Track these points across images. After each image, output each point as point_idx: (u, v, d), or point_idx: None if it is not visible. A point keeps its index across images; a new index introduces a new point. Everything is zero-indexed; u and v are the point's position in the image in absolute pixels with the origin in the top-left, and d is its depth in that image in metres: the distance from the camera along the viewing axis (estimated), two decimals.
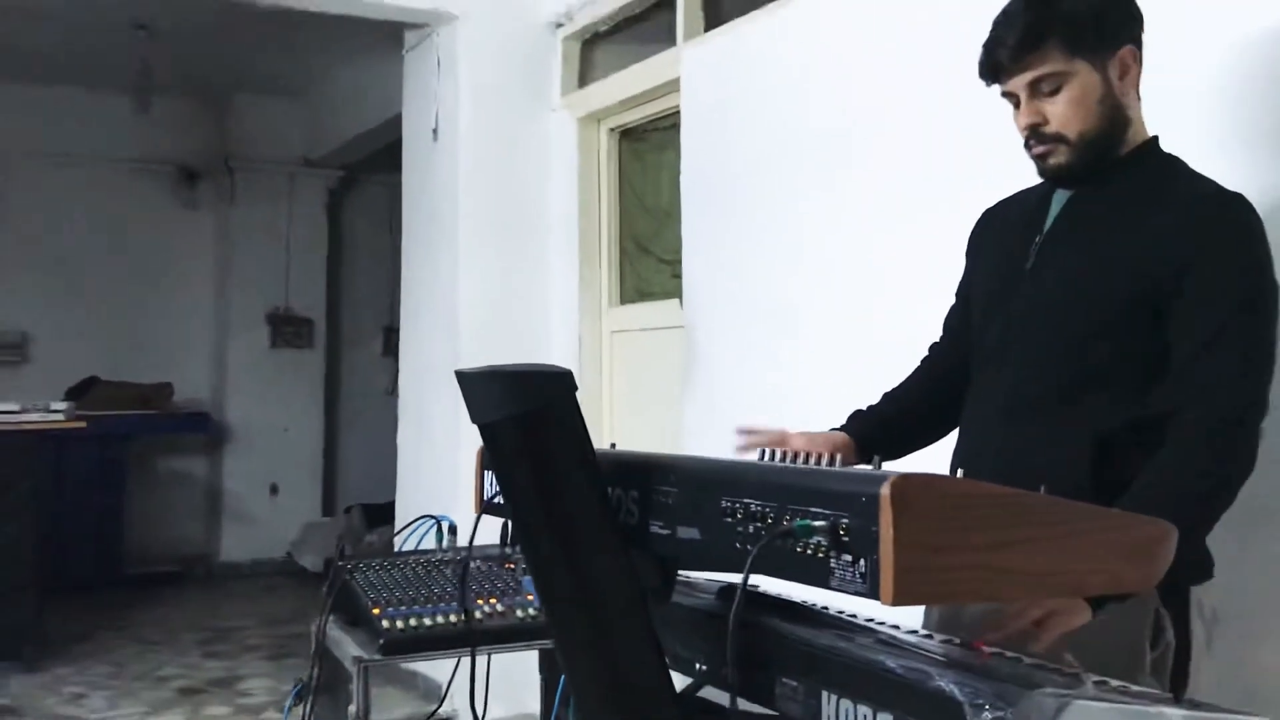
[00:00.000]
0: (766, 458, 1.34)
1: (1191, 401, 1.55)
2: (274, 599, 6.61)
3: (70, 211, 7.22)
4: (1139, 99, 1.72)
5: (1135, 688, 1.24)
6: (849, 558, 1.00)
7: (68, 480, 6.54)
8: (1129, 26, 1.69)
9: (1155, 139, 1.73)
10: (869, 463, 1.12)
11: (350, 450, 8.06)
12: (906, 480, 0.97)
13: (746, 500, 1.14)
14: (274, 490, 7.70)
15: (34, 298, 7.12)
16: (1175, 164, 1.71)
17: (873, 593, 0.97)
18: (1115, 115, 1.67)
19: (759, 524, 1.12)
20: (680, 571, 1.46)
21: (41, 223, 7.16)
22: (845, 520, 1.01)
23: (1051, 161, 1.69)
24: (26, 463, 4.87)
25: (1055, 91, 1.65)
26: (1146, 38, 1.71)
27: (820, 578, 1.04)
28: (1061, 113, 1.65)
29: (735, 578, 1.34)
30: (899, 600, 0.95)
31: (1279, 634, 1.95)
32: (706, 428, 3.39)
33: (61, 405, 5.07)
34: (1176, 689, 1.49)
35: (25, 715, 4.31)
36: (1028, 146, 1.71)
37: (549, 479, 1.28)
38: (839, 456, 1.26)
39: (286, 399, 7.70)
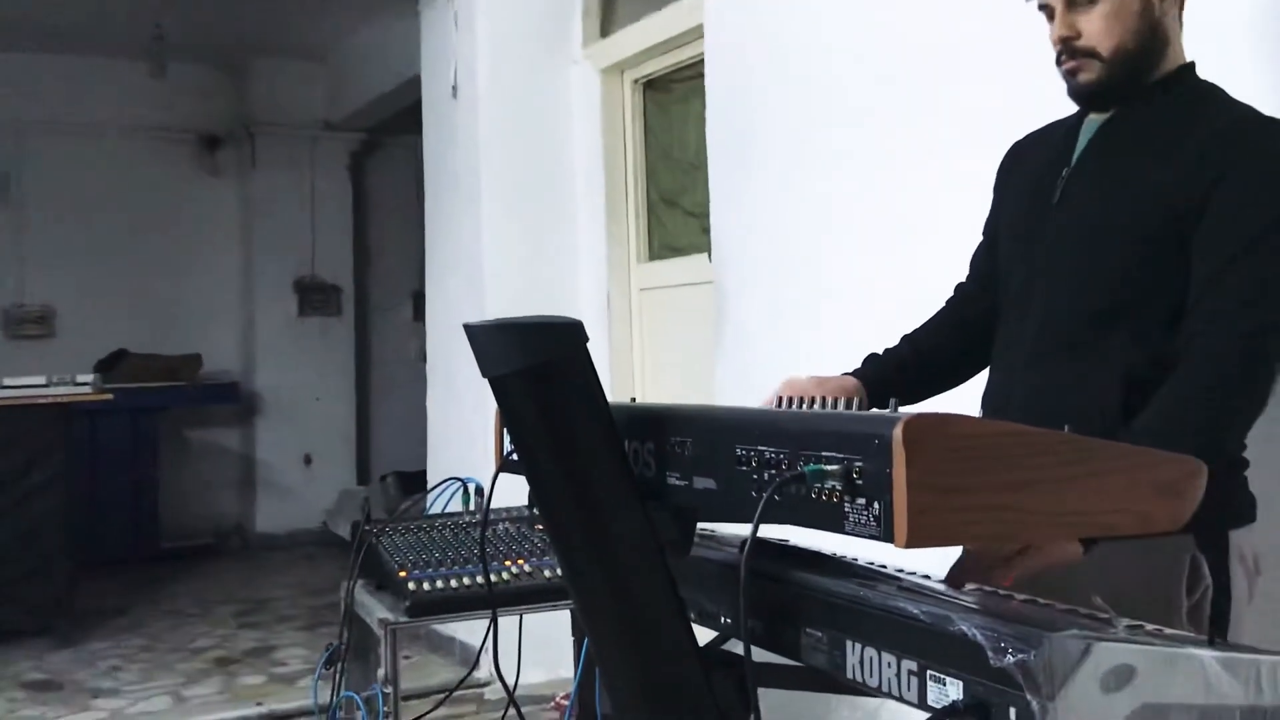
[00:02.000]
0: (784, 405, 1.35)
1: (1204, 327, 1.52)
2: (310, 569, 6.71)
3: (90, 182, 7.29)
4: (1180, 23, 1.68)
5: (1169, 630, 1.24)
6: (863, 501, 1.01)
7: (100, 455, 6.65)
8: None
9: (1191, 64, 1.69)
10: (884, 407, 1.12)
11: (383, 417, 8.13)
12: (919, 421, 0.97)
13: (760, 447, 1.14)
14: (308, 460, 7.79)
15: (58, 271, 7.21)
16: (1211, 90, 1.68)
17: (886, 536, 0.98)
18: (1153, 33, 1.63)
19: (773, 471, 1.12)
20: (704, 525, 1.47)
21: (61, 195, 7.23)
22: (858, 464, 1.01)
23: (1081, 78, 1.65)
24: (56, 437, 4.95)
25: (1092, 2, 1.62)
26: None
27: (834, 523, 1.04)
28: (1096, 26, 1.62)
29: (767, 528, 1.35)
30: (912, 543, 0.96)
31: None
32: (738, 384, 3.39)
33: (88, 378, 5.15)
34: (1215, 636, 1.48)
35: (61, 688, 4.42)
36: (1059, 62, 1.67)
37: (562, 432, 1.29)
38: (855, 401, 1.25)
39: (317, 368, 7.78)
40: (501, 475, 1.52)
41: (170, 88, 6.72)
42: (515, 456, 1.46)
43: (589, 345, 1.29)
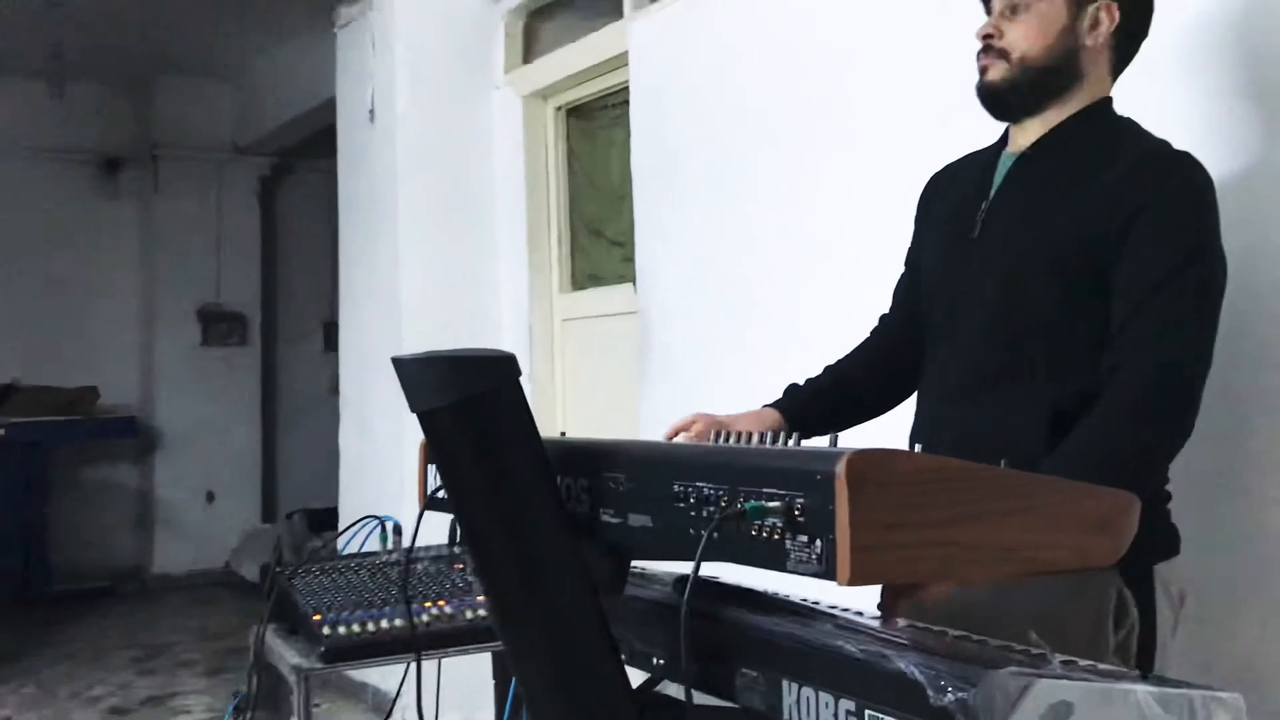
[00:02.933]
0: (722, 440, 1.36)
1: (1126, 358, 1.57)
2: (212, 612, 6.57)
3: None
4: (1109, 69, 1.75)
5: (1103, 666, 1.26)
6: (804, 538, 1.01)
7: None
8: None
9: (1108, 100, 1.76)
10: (806, 438, 1.13)
11: (291, 453, 8.01)
12: (862, 456, 0.98)
13: (699, 484, 1.15)
14: (210, 497, 7.64)
15: None
16: (1125, 125, 1.75)
17: (829, 574, 0.99)
18: (1069, 59, 1.71)
19: (712, 508, 1.13)
20: (636, 563, 1.48)
21: None
22: (800, 500, 1.02)
23: (988, 76, 1.75)
24: None
25: (1023, 10, 1.72)
26: None
27: (776, 561, 1.05)
28: (1017, 31, 1.72)
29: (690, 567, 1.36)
30: (855, 580, 0.97)
31: (1249, 616, 1.99)
32: (664, 418, 3.38)
33: None
34: (1143, 670, 1.52)
35: None
36: (977, 59, 1.77)
37: (494, 468, 1.28)
38: (768, 435, 1.26)
39: (221, 400, 7.65)
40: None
41: (69, 108, 6.58)
42: (442, 493, 1.44)
43: (521, 378, 1.29)
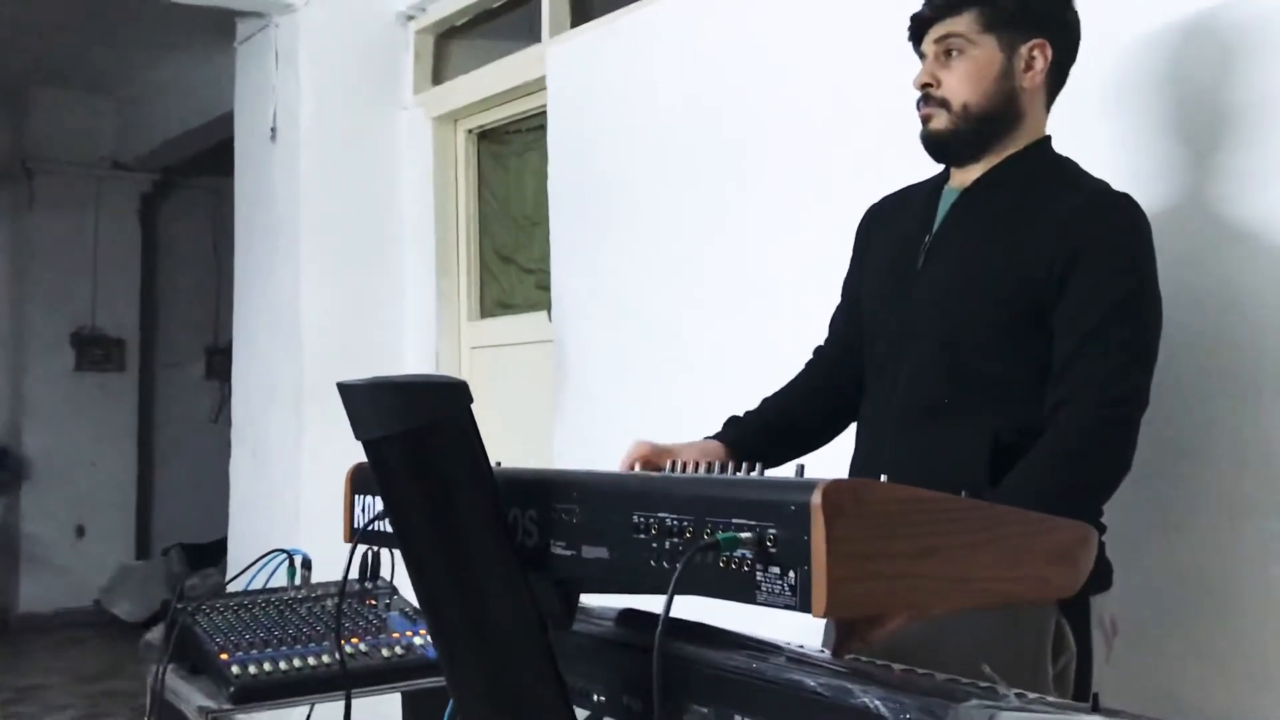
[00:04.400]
0: (677, 470, 1.37)
1: (1069, 396, 1.64)
2: (83, 653, 6.40)
3: None
4: (1045, 104, 1.82)
5: (1052, 699, 1.30)
6: (777, 570, 1.03)
7: None
8: (1052, 21, 1.80)
9: (1048, 139, 1.83)
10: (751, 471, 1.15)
11: (168, 485, 7.85)
12: (837, 486, 1.00)
13: (661, 514, 1.15)
14: (80, 532, 7.46)
15: None
16: (1065, 164, 1.82)
17: (804, 606, 1.00)
18: (1008, 102, 1.77)
19: (676, 539, 1.13)
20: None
21: None
22: (772, 531, 1.03)
23: (931, 125, 1.80)
24: None
25: (957, 56, 1.77)
26: None
27: (745, 593, 1.06)
28: (954, 80, 1.77)
29: (641, 599, 1.36)
30: (831, 612, 0.98)
31: (1179, 646, 2.07)
32: (579, 449, 3.40)
33: None
34: (1089, 701, 1.56)
35: None
36: (917, 107, 1.82)
37: (443, 499, 1.27)
38: (730, 466, 1.28)
39: (94, 429, 7.48)
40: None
41: None
42: (378, 525, 1.43)
43: (472, 407, 1.29)
